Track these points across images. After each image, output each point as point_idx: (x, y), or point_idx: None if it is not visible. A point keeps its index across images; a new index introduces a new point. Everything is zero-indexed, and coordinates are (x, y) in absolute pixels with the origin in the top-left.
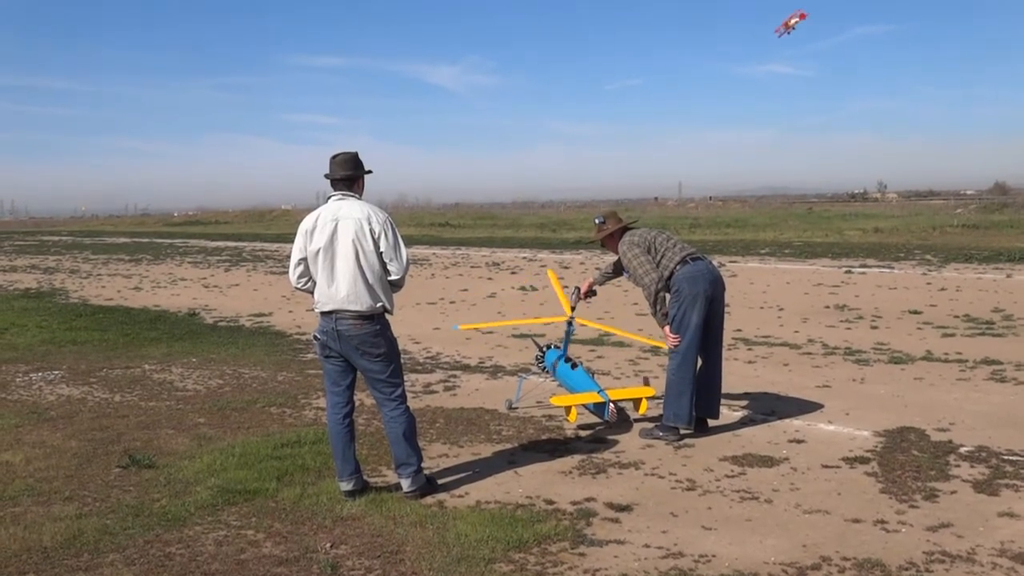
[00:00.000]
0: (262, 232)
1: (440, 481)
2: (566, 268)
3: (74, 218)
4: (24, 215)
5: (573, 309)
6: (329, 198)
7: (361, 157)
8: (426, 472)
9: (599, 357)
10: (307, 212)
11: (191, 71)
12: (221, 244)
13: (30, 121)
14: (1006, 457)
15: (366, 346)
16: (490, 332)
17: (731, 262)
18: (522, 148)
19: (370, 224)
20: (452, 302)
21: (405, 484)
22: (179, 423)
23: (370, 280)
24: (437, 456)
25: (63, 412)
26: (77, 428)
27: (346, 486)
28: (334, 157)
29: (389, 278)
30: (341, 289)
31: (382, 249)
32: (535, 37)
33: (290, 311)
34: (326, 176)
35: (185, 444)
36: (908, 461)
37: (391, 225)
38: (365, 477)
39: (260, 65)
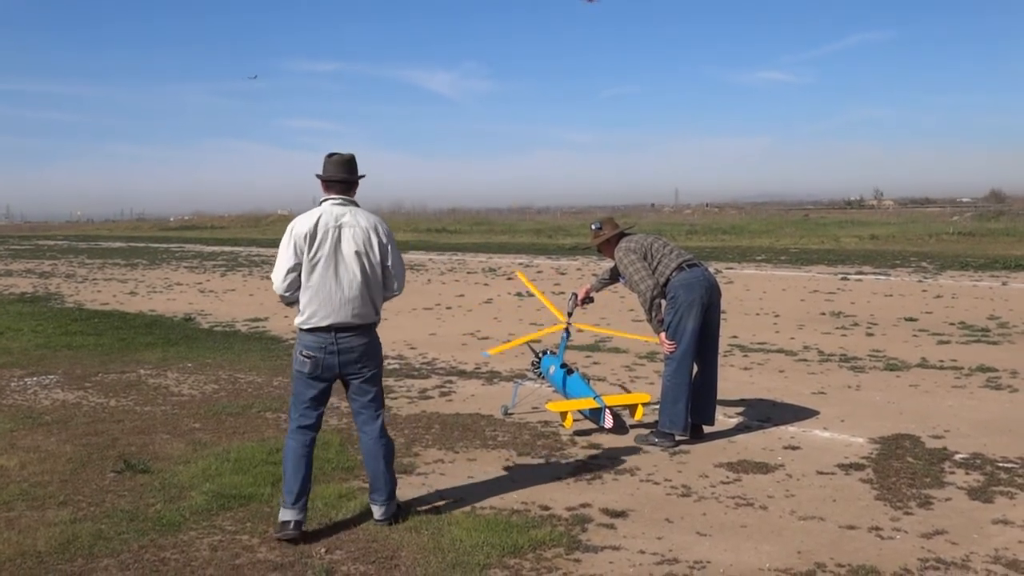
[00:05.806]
0: (258, 237)
1: (435, 487)
2: (563, 274)
3: (70, 222)
4: (20, 219)
5: (570, 315)
6: (323, 201)
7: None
8: (397, 500)
9: (595, 363)
10: None
11: (188, 76)
12: (217, 249)
13: (25, 125)
14: (1000, 464)
15: (365, 359)
16: (486, 338)
17: (727, 268)
18: (518, 154)
19: (378, 236)
20: (448, 307)
21: (378, 512)
22: (174, 428)
23: (373, 293)
24: (433, 462)
25: (58, 417)
26: (72, 433)
27: (289, 516)
28: (330, 156)
29: (389, 293)
30: (347, 301)
31: (389, 263)
32: (531, 44)
33: (285, 316)
34: (319, 176)
35: (180, 449)
36: (903, 468)
37: (393, 238)
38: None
39: (257, 70)
